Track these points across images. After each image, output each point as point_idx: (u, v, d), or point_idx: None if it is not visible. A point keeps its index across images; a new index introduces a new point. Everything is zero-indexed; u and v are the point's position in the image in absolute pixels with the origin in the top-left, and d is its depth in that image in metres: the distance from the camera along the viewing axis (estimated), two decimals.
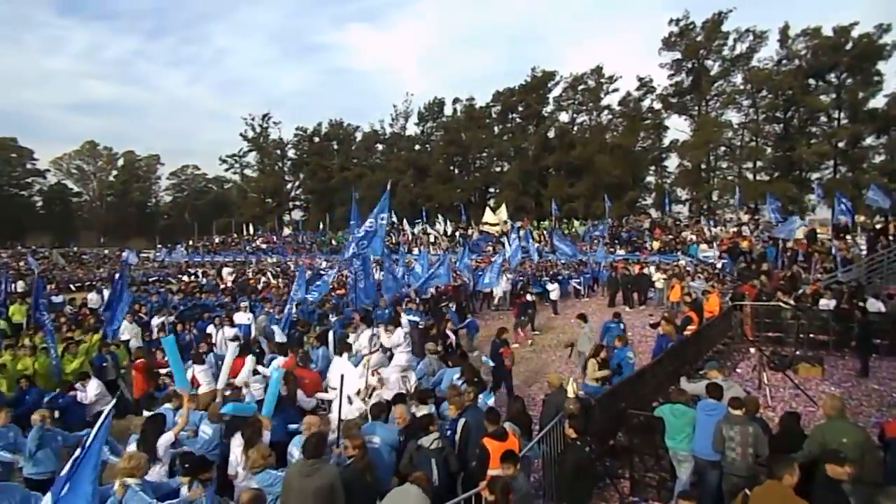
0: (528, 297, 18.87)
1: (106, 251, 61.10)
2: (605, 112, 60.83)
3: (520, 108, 64.26)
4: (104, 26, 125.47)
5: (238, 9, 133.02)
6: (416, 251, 34.89)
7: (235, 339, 11.09)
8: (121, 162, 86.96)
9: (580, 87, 60.68)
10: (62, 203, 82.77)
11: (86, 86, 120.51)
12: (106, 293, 23.44)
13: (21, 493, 5.09)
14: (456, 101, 69.68)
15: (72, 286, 33.28)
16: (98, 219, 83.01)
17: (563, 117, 63.30)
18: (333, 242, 52.63)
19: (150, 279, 33.30)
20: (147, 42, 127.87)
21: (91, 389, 9.08)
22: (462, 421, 6.45)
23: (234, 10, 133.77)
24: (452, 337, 12.70)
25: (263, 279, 28.00)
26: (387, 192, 13.94)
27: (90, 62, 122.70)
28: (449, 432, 6.31)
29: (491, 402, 7.77)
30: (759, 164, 52.35)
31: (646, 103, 58.03)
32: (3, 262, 50.51)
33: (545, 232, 41.50)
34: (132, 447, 5.82)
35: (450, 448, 5.94)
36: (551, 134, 62.02)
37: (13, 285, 26.90)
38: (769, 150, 51.54)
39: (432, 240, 45.75)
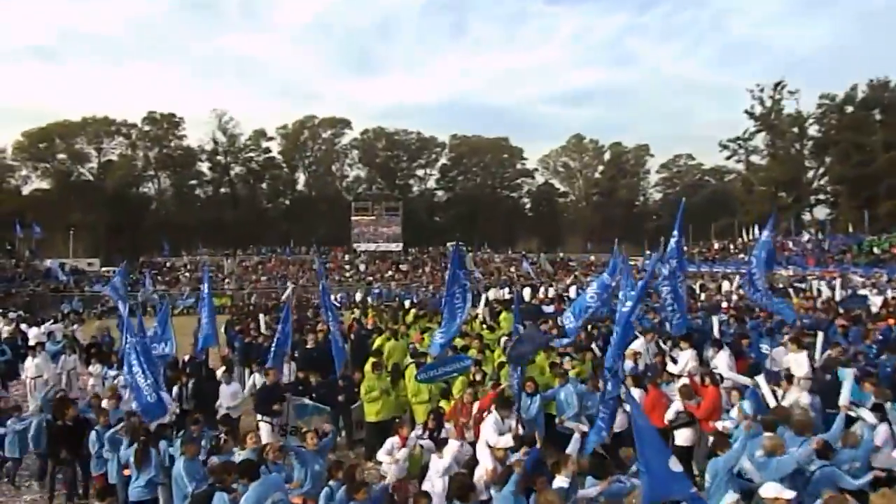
0: None
1: (592, 257, 68.16)
2: None
3: None
4: (592, 7, 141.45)
5: None
6: None
7: None
8: (607, 156, 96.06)
9: None
10: (548, 204, 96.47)
11: (573, 74, 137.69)
12: None
13: None
14: None
15: (564, 295, 38.19)
16: (583, 220, 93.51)
17: None
18: (875, 250, 47.36)
19: None
20: (637, 16, 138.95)
21: None
22: None
23: None
24: None
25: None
26: None
27: (578, 48, 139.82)
28: None
29: None
30: None
31: None
32: (495, 266, 61.57)
33: None
34: None
35: None
36: None
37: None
38: None
39: None
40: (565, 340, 13.59)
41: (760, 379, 10.40)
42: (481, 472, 8.27)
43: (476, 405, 10.14)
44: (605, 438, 8.98)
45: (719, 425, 9.13)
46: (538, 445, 8.62)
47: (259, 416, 11.76)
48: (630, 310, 9.77)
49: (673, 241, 14.38)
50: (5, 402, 12.73)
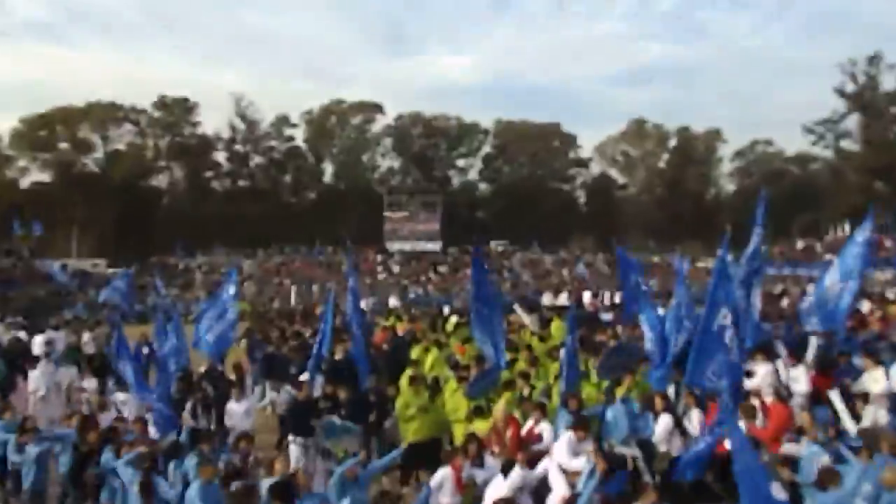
0: None
1: (655, 258, 67.26)
2: None
3: None
4: None
5: None
6: None
7: None
8: (672, 142, 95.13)
9: None
10: (605, 197, 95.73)
11: (633, 50, 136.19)
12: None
13: None
14: None
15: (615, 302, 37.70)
16: (645, 215, 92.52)
17: None
18: None
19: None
20: None
21: None
22: None
23: None
24: None
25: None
26: None
27: (639, 20, 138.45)
28: None
29: None
30: None
31: None
32: (546, 268, 61.21)
33: None
34: None
35: None
36: None
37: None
38: None
39: None
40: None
41: (834, 395, 10.23)
42: (555, 499, 8.11)
43: (509, 432, 9.94)
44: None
45: (786, 448, 8.94)
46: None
47: (291, 437, 11.63)
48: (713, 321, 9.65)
49: (754, 240, 13.96)
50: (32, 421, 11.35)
